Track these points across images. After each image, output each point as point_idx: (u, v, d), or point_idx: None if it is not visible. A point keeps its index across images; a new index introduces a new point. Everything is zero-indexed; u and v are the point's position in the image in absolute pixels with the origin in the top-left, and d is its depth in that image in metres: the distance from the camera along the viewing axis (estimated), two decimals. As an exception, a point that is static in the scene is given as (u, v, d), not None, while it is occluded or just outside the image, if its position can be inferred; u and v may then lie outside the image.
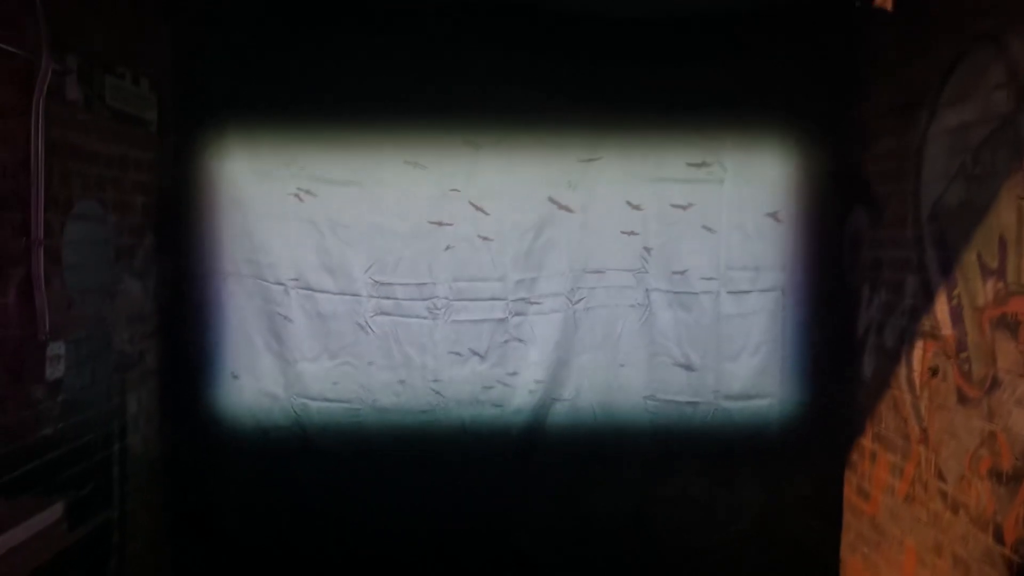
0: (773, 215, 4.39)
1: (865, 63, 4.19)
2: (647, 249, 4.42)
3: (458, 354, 4.40)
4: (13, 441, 2.92)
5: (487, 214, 4.35)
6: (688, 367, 4.44)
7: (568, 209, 4.38)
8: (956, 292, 3.33)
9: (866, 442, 4.15)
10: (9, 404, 2.90)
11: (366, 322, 4.35)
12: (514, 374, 4.41)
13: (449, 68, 4.27)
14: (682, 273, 4.42)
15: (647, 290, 4.44)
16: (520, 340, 4.42)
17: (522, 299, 4.41)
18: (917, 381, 3.65)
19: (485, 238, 4.36)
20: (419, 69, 4.27)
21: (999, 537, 3.00)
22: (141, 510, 3.92)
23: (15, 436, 2.93)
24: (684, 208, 4.40)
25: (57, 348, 3.16)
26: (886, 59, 4.00)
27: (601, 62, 4.30)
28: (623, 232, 4.42)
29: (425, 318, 4.38)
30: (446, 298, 4.37)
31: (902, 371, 3.78)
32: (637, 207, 4.41)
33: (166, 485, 4.20)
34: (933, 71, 3.50)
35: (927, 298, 3.56)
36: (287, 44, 4.24)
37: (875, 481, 4.05)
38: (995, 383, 3.05)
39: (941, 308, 3.45)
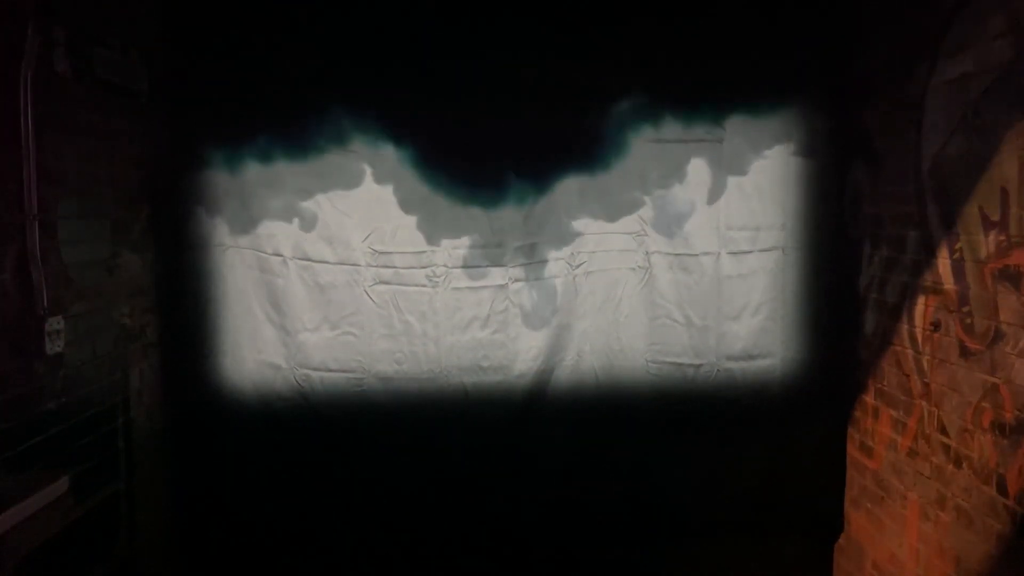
0: (772, 173, 4.35)
1: (865, 14, 4.12)
2: (646, 211, 4.39)
3: (459, 321, 4.39)
4: (16, 416, 2.93)
5: (484, 178, 4.32)
6: (689, 329, 4.44)
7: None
8: (957, 246, 3.32)
9: (868, 398, 4.16)
10: (10, 379, 2.90)
11: (366, 291, 4.34)
12: (515, 340, 4.41)
13: (445, 26, 4.22)
14: (682, 235, 4.40)
15: (647, 253, 4.43)
16: (520, 306, 4.41)
17: (522, 265, 4.40)
18: (919, 336, 3.65)
19: (482, 203, 4.33)
20: (415, 32, 4.21)
21: (1002, 488, 3.02)
22: (147, 482, 3.94)
23: (18, 411, 2.94)
24: (683, 169, 4.37)
25: (56, 323, 3.15)
26: (886, 9, 3.95)
27: (593, 20, 4.23)
28: (622, 194, 4.39)
29: (425, 286, 4.37)
30: (445, 266, 4.36)
31: (904, 327, 3.77)
32: (636, 169, 4.37)
33: (172, 457, 4.21)
34: (933, 21, 3.45)
35: (928, 252, 3.54)
36: (277, 11, 4.18)
37: (878, 437, 4.06)
38: (997, 335, 3.05)
39: (943, 262, 3.43)
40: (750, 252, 4.40)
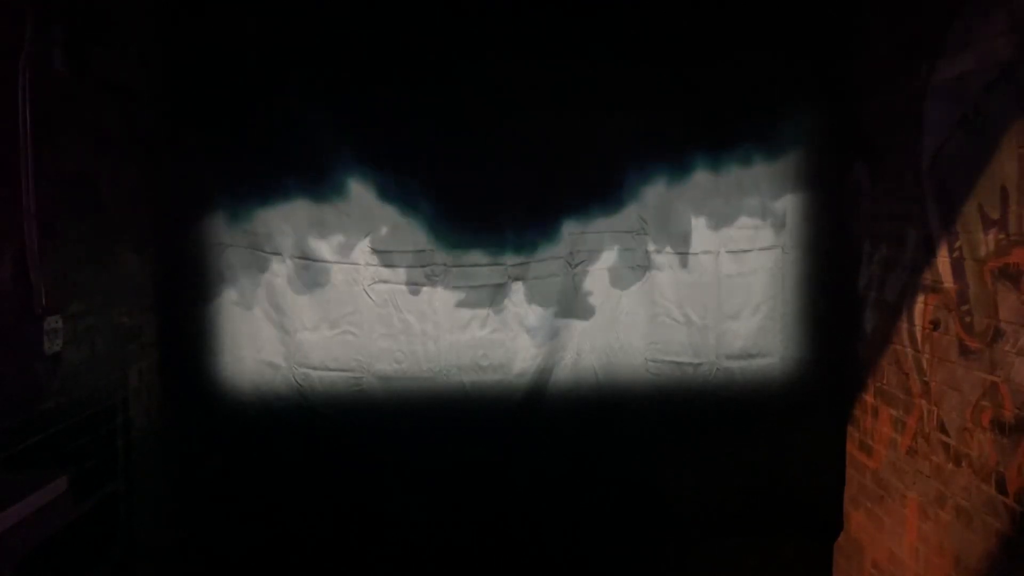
0: (772, 172, 4.35)
1: (864, 12, 4.12)
2: (646, 210, 4.39)
3: (458, 320, 4.39)
4: (15, 415, 2.91)
5: (484, 179, 4.32)
6: (689, 327, 4.43)
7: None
8: (957, 244, 3.31)
9: (868, 397, 4.16)
10: (9, 378, 2.89)
11: (365, 290, 4.33)
12: (514, 338, 4.41)
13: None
14: (681, 233, 4.40)
15: (647, 251, 4.42)
16: (520, 304, 4.40)
17: (521, 263, 4.39)
18: (918, 335, 3.65)
19: (482, 202, 4.33)
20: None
21: (1002, 487, 3.02)
22: (146, 482, 3.93)
23: (16, 410, 2.93)
24: (683, 168, 4.36)
25: (55, 322, 3.14)
26: (885, 8, 3.94)
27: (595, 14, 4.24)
28: (622, 193, 4.39)
29: (424, 285, 4.36)
30: (444, 264, 4.36)
31: (903, 325, 3.77)
32: (636, 169, 4.37)
33: (171, 457, 4.20)
34: (933, 19, 3.45)
35: (928, 251, 3.54)
36: (275, 8, 4.17)
37: (877, 436, 4.06)
38: (997, 334, 3.05)
39: (942, 261, 3.43)
40: (749, 251, 4.40)
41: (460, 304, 4.37)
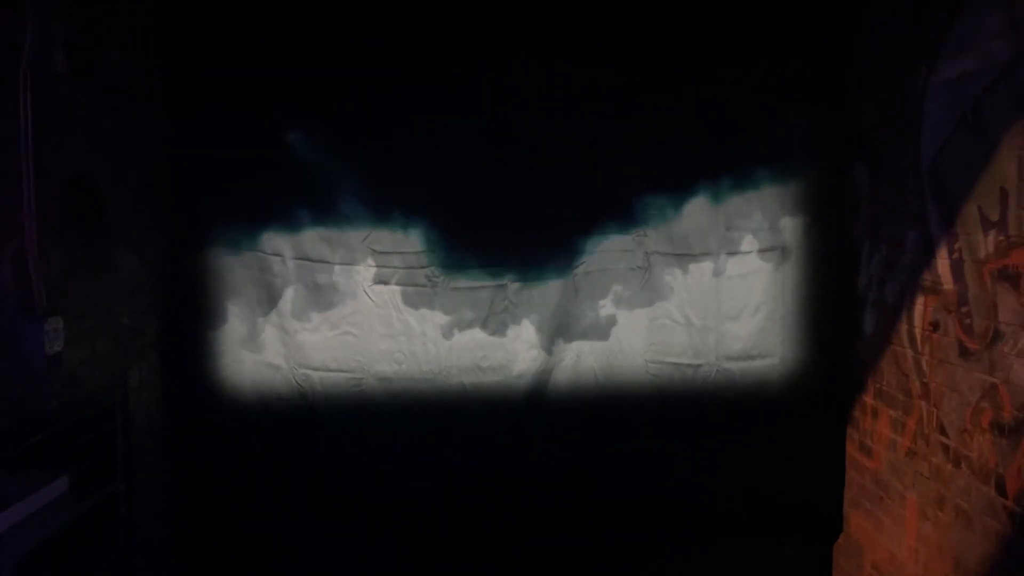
0: (772, 175, 4.35)
1: (863, 14, 4.12)
2: (645, 211, 4.39)
3: (459, 322, 4.39)
4: (15, 415, 2.92)
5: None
6: (689, 329, 4.43)
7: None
8: (957, 245, 3.31)
9: (868, 398, 4.16)
10: (9, 379, 2.90)
11: (365, 291, 4.34)
12: (515, 340, 4.41)
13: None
14: (681, 235, 4.40)
15: (647, 253, 4.42)
16: (520, 306, 4.40)
17: (521, 267, 4.39)
18: (918, 336, 3.65)
19: (482, 214, 4.34)
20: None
21: (1001, 489, 3.02)
22: (146, 482, 3.93)
23: (17, 410, 2.94)
24: (683, 170, 4.36)
25: (55, 322, 3.14)
26: (885, 9, 3.94)
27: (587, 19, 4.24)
28: (622, 195, 4.39)
29: (425, 286, 4.36)
30: (445, 268, 4.36)
31: (903, 327, 3.77)
32: (636, 171, 4.37)
33: (171, 457, 4.21)
34: (933, 21, 3.45)
35: (928, 252, 3.54)
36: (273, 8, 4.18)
37: (877, 437, 4.06)
38: (996, 336, 3.05)
39: (942, 262, 3.43)
40: (749, 252, 4.40)
41: (460, 305, 4.37)
